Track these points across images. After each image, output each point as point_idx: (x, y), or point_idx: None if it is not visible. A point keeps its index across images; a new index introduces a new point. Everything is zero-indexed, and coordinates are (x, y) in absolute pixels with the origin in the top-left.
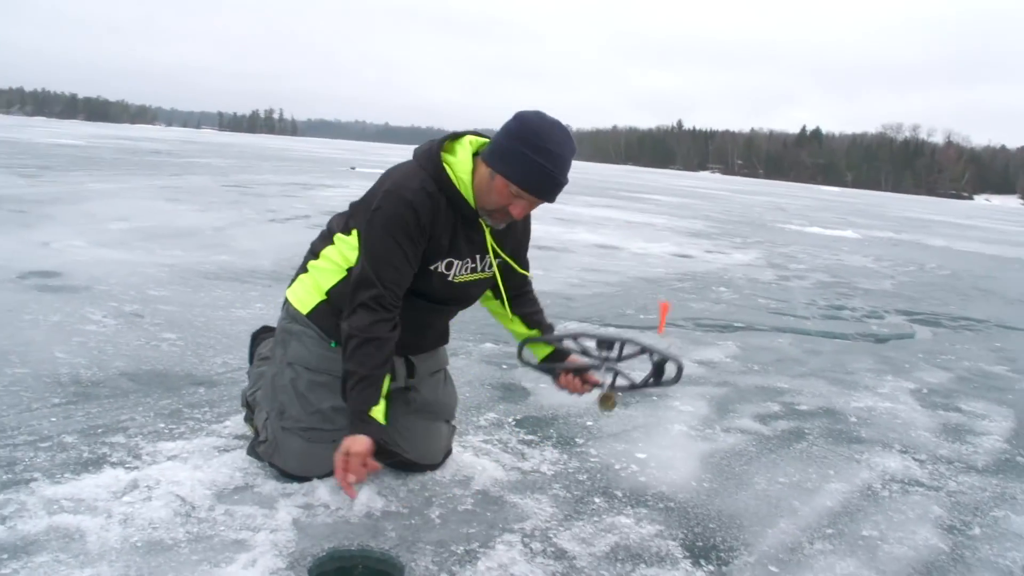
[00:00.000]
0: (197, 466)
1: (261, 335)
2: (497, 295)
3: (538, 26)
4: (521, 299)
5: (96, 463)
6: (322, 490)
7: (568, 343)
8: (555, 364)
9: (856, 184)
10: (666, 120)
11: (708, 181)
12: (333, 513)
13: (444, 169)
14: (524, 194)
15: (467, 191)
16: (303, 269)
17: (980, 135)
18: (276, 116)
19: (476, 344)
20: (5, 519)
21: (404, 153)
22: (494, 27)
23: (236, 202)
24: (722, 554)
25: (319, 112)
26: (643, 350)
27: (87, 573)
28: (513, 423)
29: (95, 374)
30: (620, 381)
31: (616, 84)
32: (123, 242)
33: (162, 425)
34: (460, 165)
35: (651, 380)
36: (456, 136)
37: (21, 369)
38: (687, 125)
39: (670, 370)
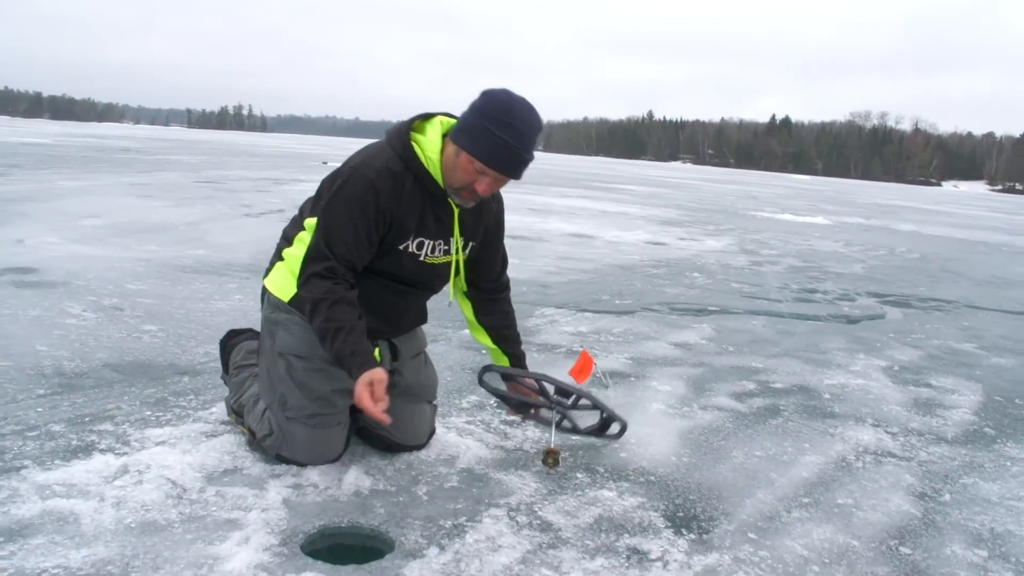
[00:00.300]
0: (186, 451)
1: (230, 341)
2: (467, 277)
3: (507, 18)
4: (491, 305)
5: (85, 450)
6: (311, 471)
7: (530, 381)
8: (511, 395)
9: (826, 172)
10: (637, 111)
11: (680, 171)
12: (322, 492)
13: (412, 148)
14: (488, 170)
15: (435, 170)
16: (278, 256)
17: (947, 122)
18: (245, 113)
19: (455, 331)
20: None
21: None
22: (463, 20)
23: (209, 198)
24: (703, 523)
25: (289, 108)
26: (595, 406)
27: (83, 553)
28: (495, 404)
29: (78, 366)
30: (565, 424)
31: (586, 75)
32: (98, 238)
33: (148, 413)
34: (429, 144)
35: (595, 431)
36: (428, 116)
37: (3, 362)
38: (658, 115)
39: (614, 428)
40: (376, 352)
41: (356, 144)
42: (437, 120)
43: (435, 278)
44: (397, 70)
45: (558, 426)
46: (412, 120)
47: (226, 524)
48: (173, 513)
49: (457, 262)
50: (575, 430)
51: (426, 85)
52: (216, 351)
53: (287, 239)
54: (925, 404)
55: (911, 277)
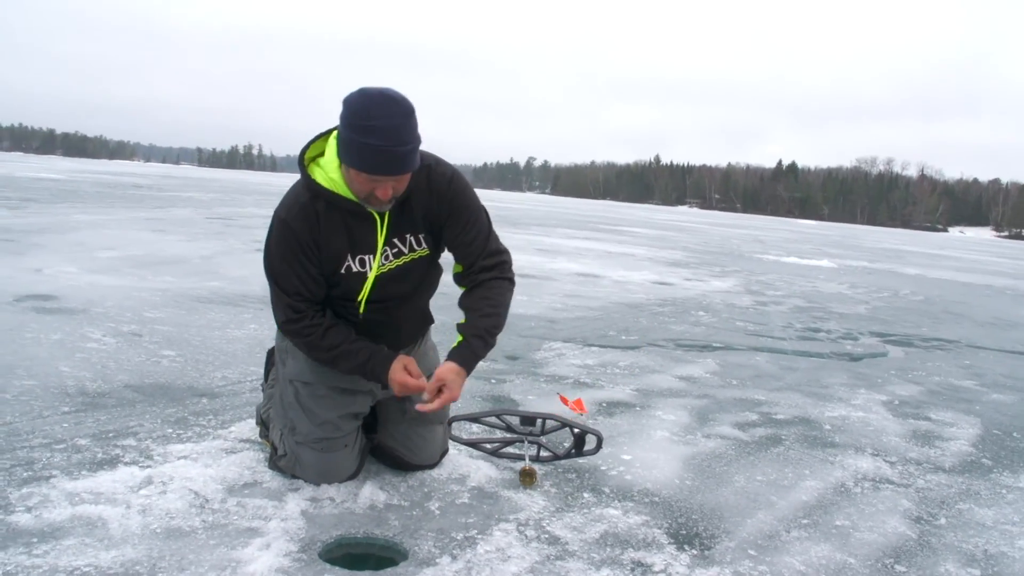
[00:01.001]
0: (207, 464)
1: (274, 354)
2: (455, 257)
3: (510, 63)
4: (471, 288)
5: (111, 462)
6: (327, 486)
7: (493, 420)
8: (481, 439)
9: (832, 217)
10: (644, 155)
11: (686, 215)
12: (339, 505)
13: (311, 176)
14: (374, 177)
15: (342, 188)
16: None
17: (952, 168)
18: (255, 152)
19: None
20: (31, 509)
21: None
22: (469, 65)
23: (221, 233)
24: (704, 541)
25: (297, 148)
26: (564, 425)
27: (112, 555)
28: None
29: (100, 386)
30: (544, 453)
31: (592, 120)
32: (114, 269)
33: (170, 430)
34: (328, 165)
35: (572, 451)
36: (327, 134)
37: (29, 381)
38: (665, 160)
39: (591, 443)
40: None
41: None
42: (333, 136)
43: (403, 284)
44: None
45: (538, 459)
46: (308, 146)
47: (247, 532)
48: (196, 520)
49: (421, 257)
50: (556, 456)
51: (434, 124)
52: (233, 376)
53: None
54: (924, 436)
55: (914, 318)
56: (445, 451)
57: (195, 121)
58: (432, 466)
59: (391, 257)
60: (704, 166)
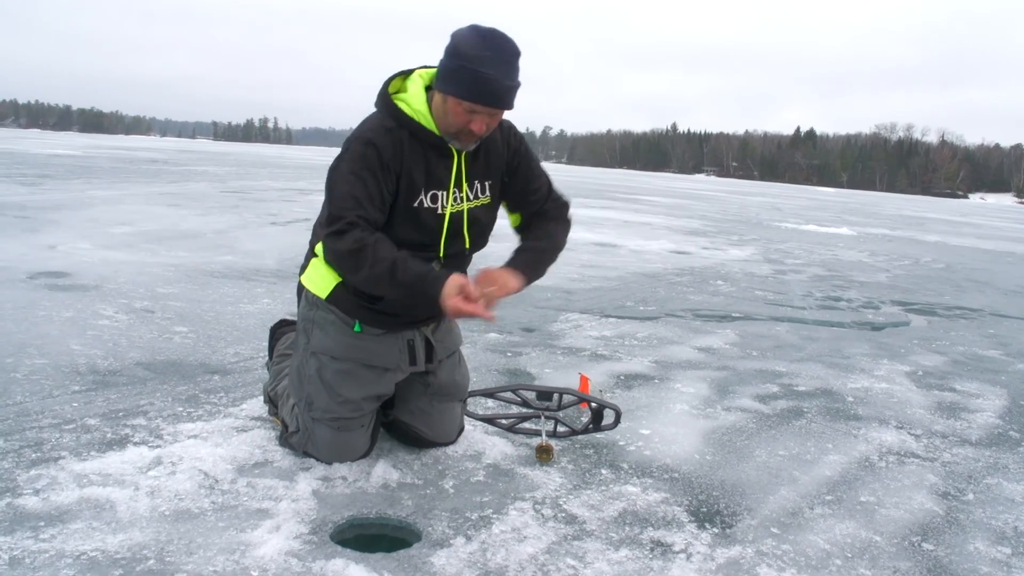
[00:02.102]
0: (217, 444)
1: (280, 329)
2: (516, 208)
3: (527, 33)
4: (532, 225)
5: (120, 443)
6: (339, 464)
7: (508, 395)
8: (497, 415)
9: (851, 184)
10: (660, 123)
11: (704, 183)
12: (351, 484)
13: (398, 107)
14: (477, 107)
15: (427, 121)
16: (312, 253)
17: (973, 134)
18: (271, 125)
19: (481, 334)
20: (39, 491)
21: None
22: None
23: (236, 207)
24: (726, 518)
25: (314, 120)
26: (581, 400)
27: (120, 538)
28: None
29: (112, 364)
30: (560, 428)
31: (608, 88)
32: (128, 244)
33: (180, 409)
34: (413, 98)
35: (590, 426)
36: (406, 74)
37: (40, 360)
38: (682, 128)
39: (609, 417)
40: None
41: None
42: (416, 75)
43: (462, 231)
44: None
45: (555, 434)
46: (389, 81)
47: (257, 513)
48: (206, 502)
49: (484, 205)
50: (573, 432)
51: None
52: (245, 351)
53: (315, 235)
54: (949, 408)
55: (936, 286)
56: (462, 428)
57: (211, 95)
58: (449, 443)
59: (460, 200)
60: (721, 134)
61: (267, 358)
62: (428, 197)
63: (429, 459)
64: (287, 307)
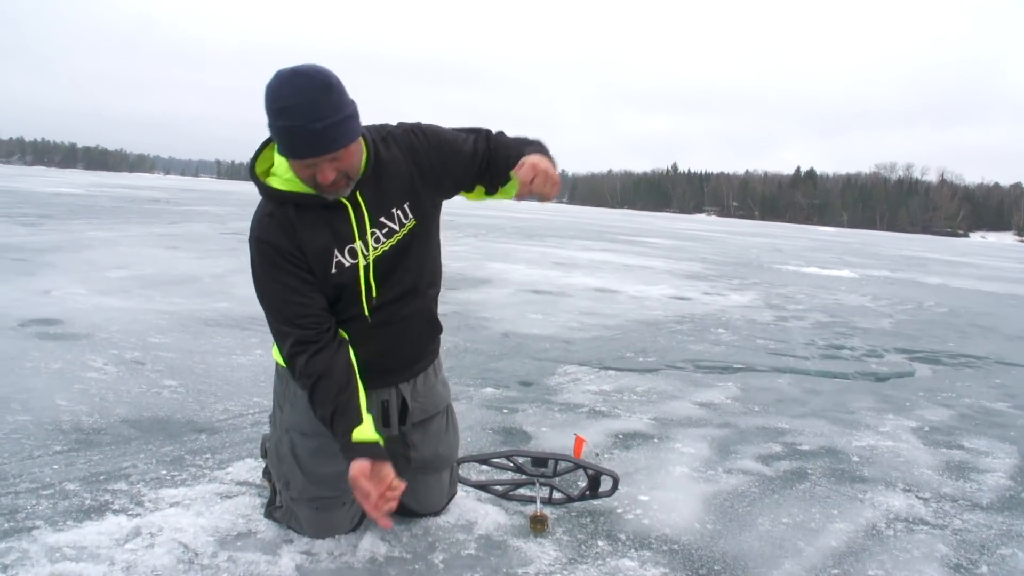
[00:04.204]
0: (199, 512)
1: None
2: (470, 185)
3: (527, 77)
4: (491, 165)
5: (98, 510)
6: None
7: (502, 461)
8: (491, 481)
9: (852, 224)
10: (661, 163)
11: (704, 223)
12: (336, 559)
13: (269, 186)
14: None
15: (302, 187)
16: None
17: (973, 173)
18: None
19: (477, 389)
20: (7, 567)
21: None
22: (483, 77)
23: (235, 249)
24: None
25: None
26: (577, 466)
27: None
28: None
29: (96, 421)
30: (556, 495)
31: (608, 129)
32: (123, 289)
33: (164, 472)
34: (281, 169)
35: (587, 492)
36: (269, 142)
37: (23, 416)
38: (682, 168)
39: (607, 484)
40: (367, 427)
41: None
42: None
43: (403, 269)
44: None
45: (551, 501)
46: (254, 160)
47: None
48: None
49: (411, 230)
50: (569, 499)
51: None
52: (234, 408)
53: None
54: (958, 467)
55: (940, 332)
56: (453, 495)
57: (214, 134)
58: (438, 513)
59: (382, 239)
60: (722, 174)
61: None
62: (346, 254)
63: (419, 530)
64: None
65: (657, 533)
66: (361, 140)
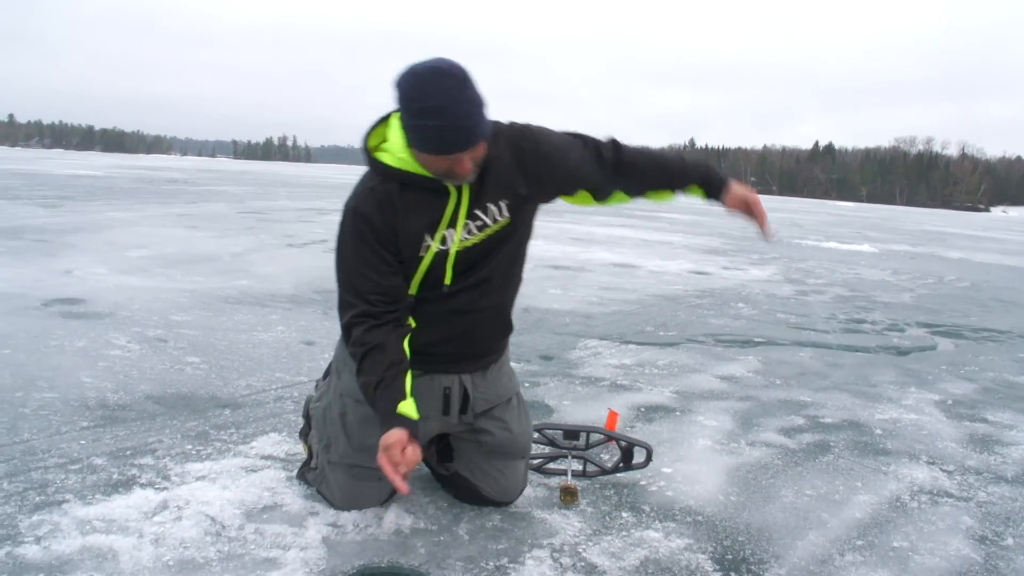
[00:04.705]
0: (225, 486)
1: None
2: (572, 190)
3: (542, 53)
4: (621, 177)
5: (126, 484)
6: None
7: (535, 435)
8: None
9: (871, 198)
10: (678, 139)
11: None
12: (362, 531)
13: (380, 161)
14: (449, 156)
15: (413, 166)
16: None
17: (994, 147)
18: (290, 143)
19: None
20: (40, 539)
21: None
22: (497, 55)
23: (253, 228)
24: (752, 567)
25: (332, 139)
26: (610, 439)
27: None
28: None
29: (122, 398)
30: (590, 468)
31: (625, 105)
32: (144, 269)
33: (189, 447)
34: (395, 147)
35: (621, 465)
36: (385, 119)
37: (49, 394)
38: (699, 143)
39: (640, 456)
40: (410, 405)
41: None
42: (394, 118)
43: (485, 265)
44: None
45: (584, 474)
46: (368, 135)
47: (264, 563)
48: (211, 551)
49: (502, 228)
50: (603, 471)
51: None
52: (257, 383)
53: None
54: (982, 440)
55: (962, 306)
56: (524, 487)
57: (230, 114)
58: (509, 503)
59: (474, 231)
60: (740, 149)
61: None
62: (437, 240)
63: (444, 502)
64: (301, 335)
65: (681, 505)
66: None
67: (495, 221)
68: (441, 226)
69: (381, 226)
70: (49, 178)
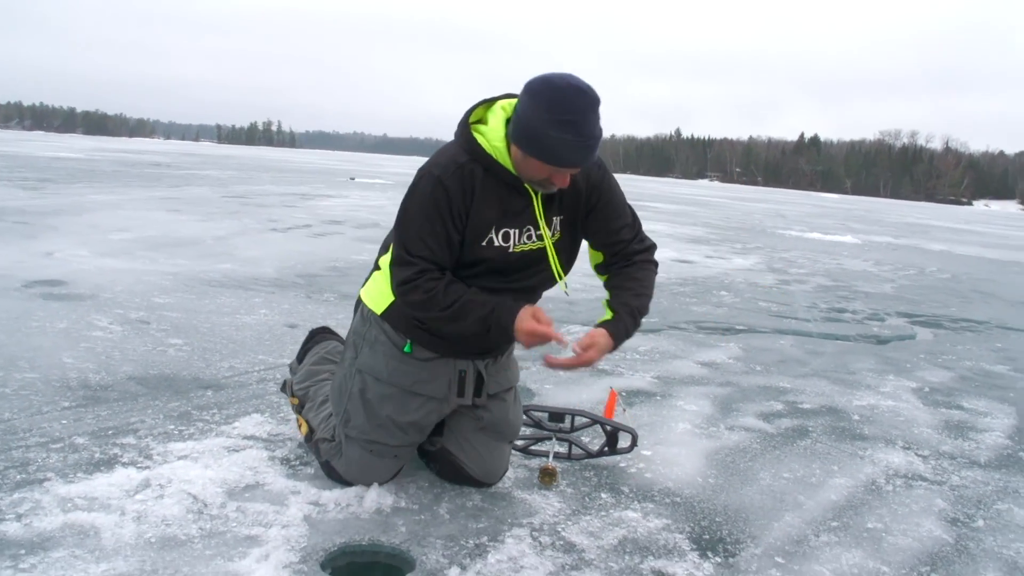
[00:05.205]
0: (207, 465)
1: (319, 335)
2: (598, 246)
3: (532, 41)
4: (618, 273)
5: (108, 463)
6: (331, 488)
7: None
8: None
9: (855, 191)
10: (664, 128)
11: (707, 189)
12: (344, 509)
13: (475, 140)
14: (561, 169)
15: (504, 158)
16: (375, 267)
17: (978, 141)
18: (275, 128)
19: None
20: (21, 516)
21: (402, 163)
22: (487, 42)
23: (236, 212)
24: (728, 546)
25: (318, 124)
26: (595, 422)
27: (103, 568)
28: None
29: (103, 378)
30: (575, 451)
31: (612, 94)
32: (126, 251)
33: (171, 427)
34: (492, 133)
35: (606, 449)
36: (489, 103)
37: (30, 374)
38: (685, 133)
39: (625, 441)
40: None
41: (384, 160)
42: (498, 106)
43: (530, 269)
44: (424, 88)
45: (570, 457)
46: (472, 110)
47: (246, 540)
48: (193, 528)
49: (558, 242)
50: (588, 455)
51: (453, 103)
52: (240, 365)
53: (385, 247)
54: (957, 427)
55: (942, 297)
56: (505, 471)
57: (215, 98)
58: (491, 485)
59: (534, 238)
60: (725, 139)
61: (294, 360)
62: (499, 235)
63: (425, 482)
64: (284, 318)
65: (660, 486)
66: None
67: (553, 235)
68: (509, 223)
69: (459, 203)
70: (30, 160)
